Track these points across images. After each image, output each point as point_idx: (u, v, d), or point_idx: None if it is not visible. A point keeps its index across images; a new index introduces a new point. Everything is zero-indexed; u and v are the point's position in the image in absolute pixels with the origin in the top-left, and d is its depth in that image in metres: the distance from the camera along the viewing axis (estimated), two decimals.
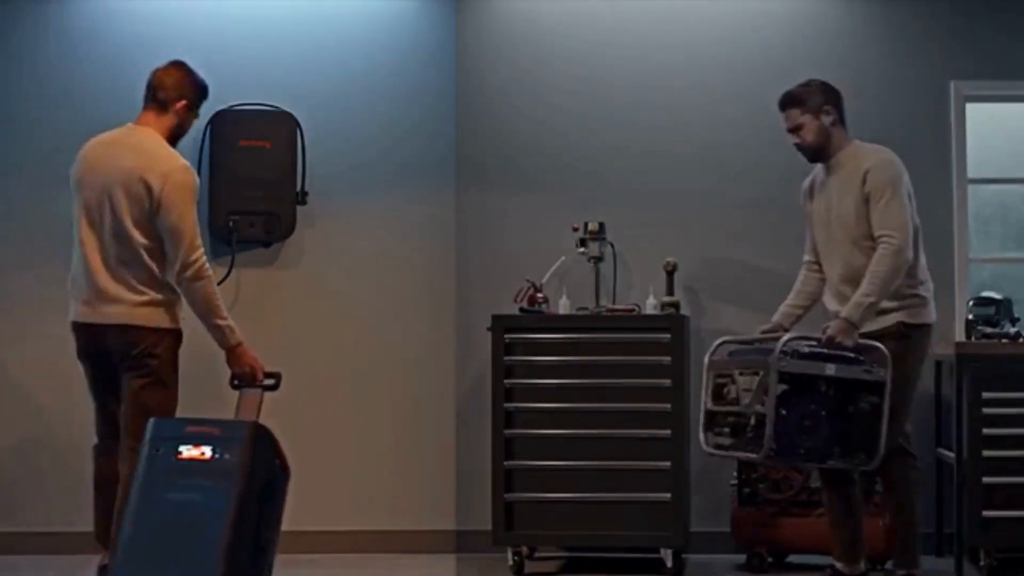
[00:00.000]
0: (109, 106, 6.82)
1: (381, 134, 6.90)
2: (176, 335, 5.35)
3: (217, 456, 4.71)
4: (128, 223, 5.22)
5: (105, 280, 5.27)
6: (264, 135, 6.74)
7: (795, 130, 5.66)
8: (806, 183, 5.82)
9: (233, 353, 5.34)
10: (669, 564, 6.12)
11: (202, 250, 5.26)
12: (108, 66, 6.84)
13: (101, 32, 6.87)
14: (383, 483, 6.81)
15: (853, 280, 5.47)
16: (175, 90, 5.44)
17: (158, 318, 5.29)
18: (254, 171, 6.70)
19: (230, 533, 4.61)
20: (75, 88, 6.85)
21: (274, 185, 6.73)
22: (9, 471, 6.78)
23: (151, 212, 5.22)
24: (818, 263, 5.76)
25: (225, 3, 6.90)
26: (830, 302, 5.63)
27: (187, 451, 4.75)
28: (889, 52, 6.83)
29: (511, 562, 6.25)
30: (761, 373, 5.23)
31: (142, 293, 5.27)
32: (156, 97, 5.45)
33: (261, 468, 4.77)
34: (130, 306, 5.26)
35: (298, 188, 6.75)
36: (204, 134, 6.73)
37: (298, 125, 6.78)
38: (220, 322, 5.31)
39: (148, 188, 5.21)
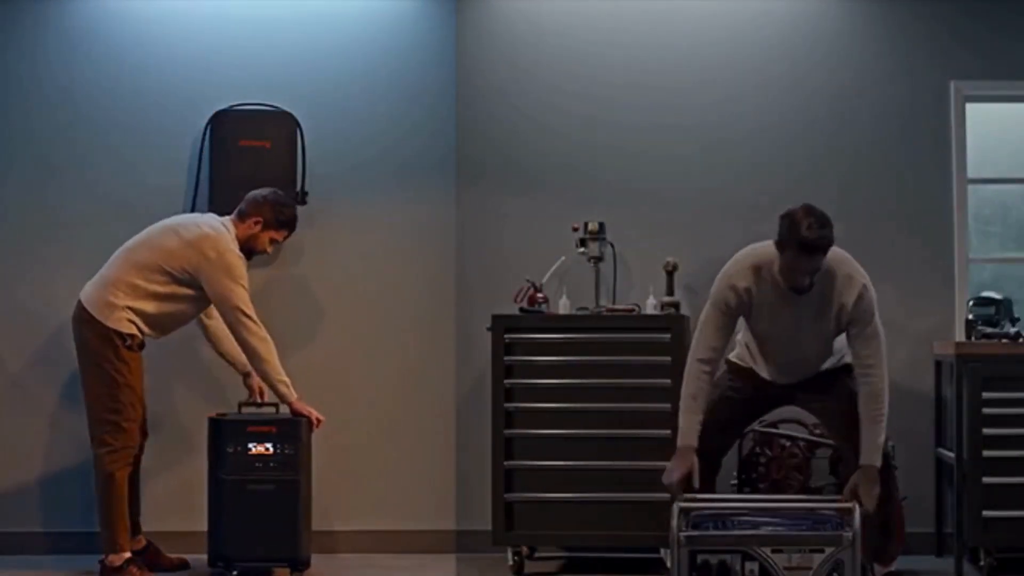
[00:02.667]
0: (109, 106, 6.84)
1: (381, 134, 6.90)
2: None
3: (279, 451, 6.03)
4: None
5: None
6: (264, 135, 6.73)
7: (815, 271, 5.35)
8: (738, 297, 5.46)
9: None
10: (669, 564, 6.10)
11: None
12: (108, 66, 6.84)
13: (101, 32, 6.86)
14: (383, 483, 6.81)
15: (803, 363, 5.60)
16: (252, 207, 6.16)
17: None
18: (254, 171, 6.68)
19: (304, 513, 6.12)
20: (75, 88, 6.84)
21: (274, 185, 6.66)
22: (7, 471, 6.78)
23: None
24: (715, 361, 5.50)
25: (225, 3, 6.89)
26: (768, 372, 5.67)
27: (255, 447, 6.04)
28: (889, 52, 6.82)
29: (511, 562, 6.25)
30: (828, 550, 4.95)
31: None
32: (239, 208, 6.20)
33: (309, 455, 6.18)
34: None
35: (298, 188, 6.75)
36: (204, 134, 6.73)
37: (298, 125, 6.78)
38: None
39: None
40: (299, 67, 6.88)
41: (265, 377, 6.06)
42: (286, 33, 6.88)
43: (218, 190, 6.70)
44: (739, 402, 5.68)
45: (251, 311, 6.00)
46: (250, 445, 6.04)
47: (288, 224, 6.24)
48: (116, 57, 6.84)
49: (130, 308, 5.97)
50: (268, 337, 6.04)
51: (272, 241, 6.22)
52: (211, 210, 6.67)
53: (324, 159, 6.84)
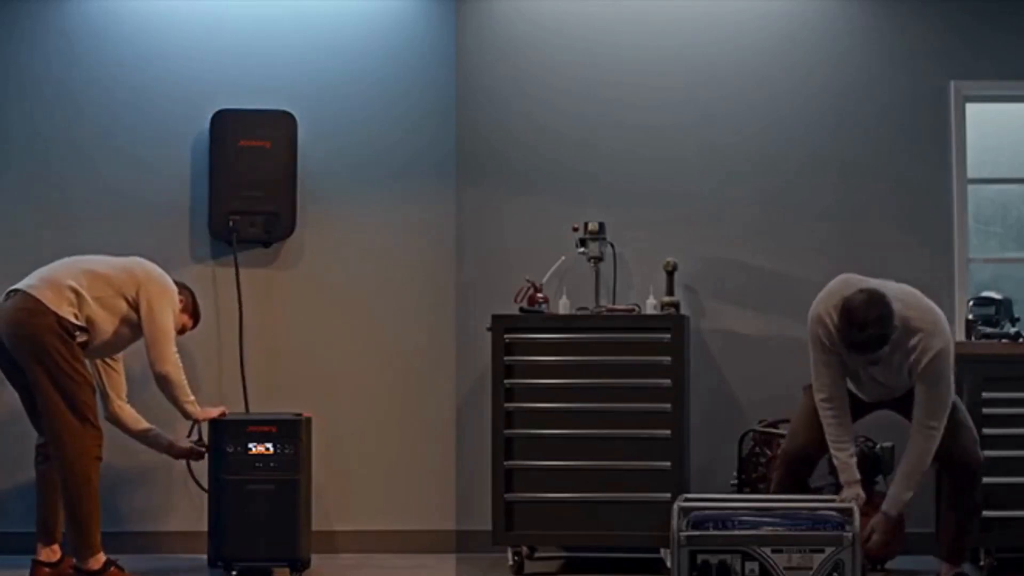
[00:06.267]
0: (109, 106, 6.85)
1: (381, 134, 6.90)
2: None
3: (278, 451, 6.04)
4: None
5: None
6: (264, 135, 6.73)
7: (876, 360, 5.36)
8: (826, 330, 5.41)
9: None
10: (669, 564, 6.10)
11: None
12: (108, 66, 6.84)
13: (101, 32, 6.86)
14: (383, 483, 6.81)
15: (894, 392, 5.57)
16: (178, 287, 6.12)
17: None
18: (254, 171, 6.69)
19: (304, 513, 6.12)
20: (75, 88, 6.84)
21: (274, 185, 6.73)
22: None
23: None
24: (836, 397, 5.50)
25: (225, 3, 6.89)
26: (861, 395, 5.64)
27: (255, 447, 6.03)
28: (889, 52, 6.82)
29: (511, 562, 6.25)
30: (828, 550, 4.96)
31: None
32: None
33: (309, 455, 6.19)
34: None
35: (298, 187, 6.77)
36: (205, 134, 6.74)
37: (297, 125, 6.77)
38: None
39: None
40: (299, 67, 6.88)
41: (175, 401, 5.97)
42: (286, 33, 6.88)
43: (218, 190, 6.71)
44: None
45: (172, 338, 5.91)
46: (250, 445, 6.05)
47: (197, 317, 6.27)
48: (116, 57, 6.85)
49: (76, 298, 5.77)
50: (180, 364, 5.94)
51: (182, 328, 6.17)
52: (212, 210, 6.72)
53: (324, 159, 6.85)
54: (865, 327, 5.23)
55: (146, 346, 5.91)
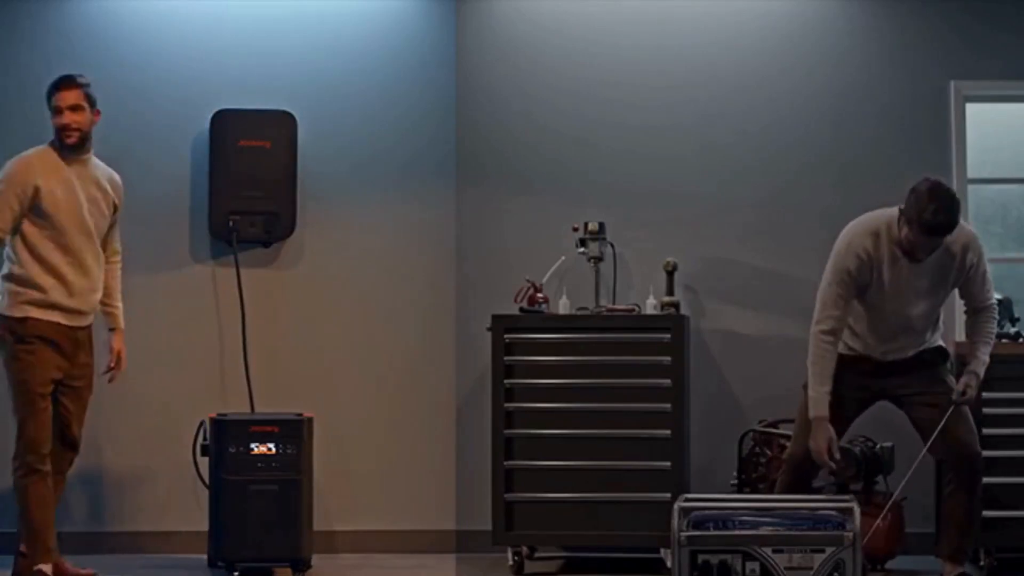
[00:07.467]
0: (109, 107, 6.83)
1: (381, 134, 6.90)
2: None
3: (281, 451, 6.05)
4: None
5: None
6: (264, 135, 6.74)
7: (936, 248, 5.44)
8: (860, 262, 5.48)
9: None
10: (669, 564, 6.11)
11: None
12: (108, 67, 6.83)
13: (101, 33, 6.86)
14: (383, 483, 6.81)
15: (910, 330, 5.60)
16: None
17: None
18: (254, 171, 6.70)
19: (305, 514, 6.13)
20: None
21: (274, 185, 6.73)
22: None
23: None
24: (838, 331, 5.52)
25: (225, 3, 6.90)
26: (875, 348, 5.63)
27: (256, 448, 6.05)
28: (889, 52, 6.83)
29: (511, 562, 6.25)
30: (829, 549, 4.92)
31: None
32: None
33: (311, 454, 6.19)
34: None
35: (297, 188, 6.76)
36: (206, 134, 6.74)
37: (298, 125, 6.78)
38: None
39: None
40: (299, 67, 6.88)
41: None
42: (286, 33, 6.89)
43: (218, 190, 6.71)
44: (832, 405, 5.60)
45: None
46: (252, 445, 6.04)
47: (53, 86, 5.76)
48: (116, 58, 6.85)
49: (8, 278, 5.59)
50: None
51: (56, 110, 5.71)
52: (212, 209, 6.72)
53: (324, 159, 6.85)
54: (949, 209, 5.34)
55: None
